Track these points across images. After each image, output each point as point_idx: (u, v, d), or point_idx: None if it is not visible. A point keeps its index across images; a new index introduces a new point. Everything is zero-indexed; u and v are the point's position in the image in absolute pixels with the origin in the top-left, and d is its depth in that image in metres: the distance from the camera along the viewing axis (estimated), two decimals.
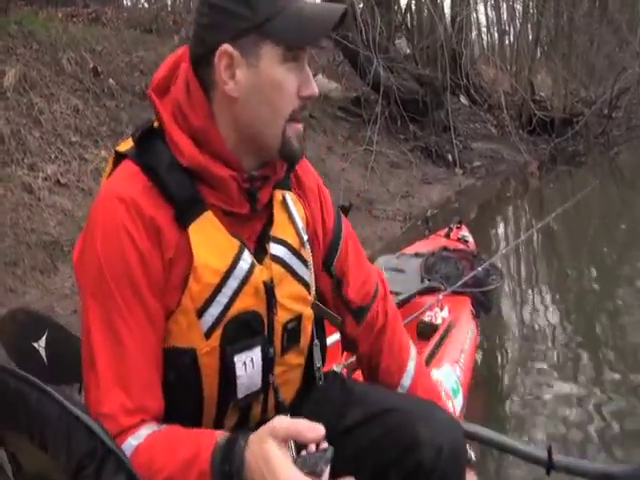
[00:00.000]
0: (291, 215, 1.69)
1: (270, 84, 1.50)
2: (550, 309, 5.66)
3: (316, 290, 1.77)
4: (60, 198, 6.07)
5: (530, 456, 2.16)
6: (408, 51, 13.99)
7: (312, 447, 1.33)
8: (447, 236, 4.81)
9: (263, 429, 1.32)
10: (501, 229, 9.43)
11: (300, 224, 1.70)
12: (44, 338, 1.86)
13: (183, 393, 1.55)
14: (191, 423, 1.49)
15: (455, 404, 2.79)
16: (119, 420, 1.42)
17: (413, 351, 2.02)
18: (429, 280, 3.81)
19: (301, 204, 1.74)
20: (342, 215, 1.91)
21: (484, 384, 4.15)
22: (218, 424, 1.61)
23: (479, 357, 4.38)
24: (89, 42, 8.37)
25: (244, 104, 1.51)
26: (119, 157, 1.58)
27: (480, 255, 4.30)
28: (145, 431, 1.43)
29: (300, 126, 1.58)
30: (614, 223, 8.26)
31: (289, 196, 1.70)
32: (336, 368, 2.39)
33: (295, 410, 1.39)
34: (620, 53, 16.13)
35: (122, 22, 10.47)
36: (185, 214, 1.50)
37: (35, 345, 1.86)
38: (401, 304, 3.32)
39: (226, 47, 1.47)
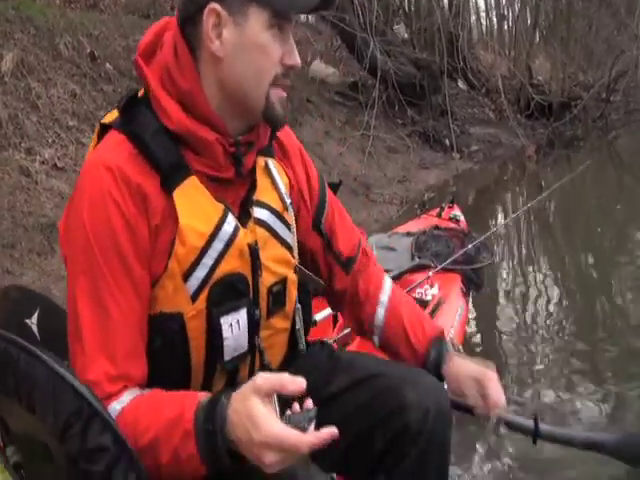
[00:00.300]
0: (274, 180, 1.72)
1: (255, 46, 1.53)
2: (543, 287, 5.69)
3: (308, 250, 1.84)
4: (57, 182, 6.09)
5: (517, 425, 2.18)
6: (406, 36, 13.94)
7: (296, 407, 1.35)
8: (439, 215, 4.84)
9: (245, 386, 1.34)
10: (498, 212, 9.43)
11: (283, 189, 1.73)
12: (36, 315, 1.88)
13: (171, 358, 1.57)
14: (179, 388, 1.52)
15: None
16: (103, 387, 1.45)
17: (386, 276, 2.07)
18: (419, 258, 3.84)
19: (284, 170, 1.78)
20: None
21: (474, 359, 4.17)
22: (206, 389, 1.62)
23: (470, 333, 4.41)
24: (86, 27, 8.33)
25: (229, 64, 1.54)
26: (104, 129, 1.60)
27: (471, 234, 4.33)
28: (129, 395, 1.46)
29: (284, 93, 1.61)
30: (610, 205, 8.26)
31: (272, 162, 1.74)
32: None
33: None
34: (618, 36, 16.07)
35: (120, 7, 10.43)
36: (170, 179, 1.53)
37: (27, 322, 1.88)
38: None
39: (214, 5, 1.50)
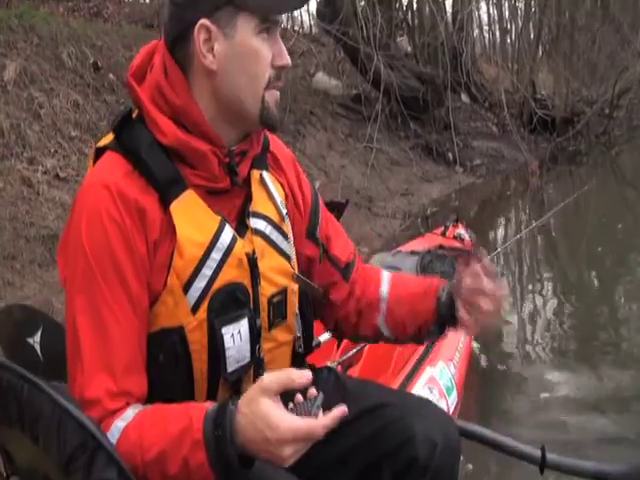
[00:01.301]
0: (269, 192, 1.74)
1: (247, 54, 1.56)
2: (548, 307, 5.68)
3: (303, 259, 1.84)
4: (59, 192, 6.08)
5: (524, 455, 2.17)
6: (409, 49, 13.97)
7: (299, 398, 1.37)
8: (443, 234, 4.82)
9: (252, 389, 1.35)
10: (501, 228, 9.44)
11: (279, 200, 1.75)
12: (39, 333, 1.87)
13: (174, 374, 1.57)
14: None
15: (449, 402, 2.80)
16: (104, 404, 1.44)
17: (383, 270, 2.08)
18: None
19: (278, 182, 1.80)
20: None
21: (479, 382, 4.16)
22: None
23: (475, 355, 4.39)
24: (90, 37, 8.35)
25: (223, 76, 1.56)
26: (99, 153, 1.61)
27: None
28: (132, 411, 1.46)
29: (277, 94, 1.64)
30: (614, 222, 8.26)
31: (266, 174, 1.76)
32: (330, 365, 2.40)
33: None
34: (622, 52, 16.09)
35: (123, 17, 10.47)
36: (167, 194, 1.54)
37: (30, 341, 1.87)
38: None
39: (204, 21, 1.53)
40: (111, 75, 7.95)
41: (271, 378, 1.34)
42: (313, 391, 1.37)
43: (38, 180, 6.03)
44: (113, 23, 9.97)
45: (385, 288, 1.97)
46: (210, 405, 1.41)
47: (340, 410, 1.33)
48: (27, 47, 7.31)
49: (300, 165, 1.95)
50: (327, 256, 1.91)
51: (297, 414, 1.33)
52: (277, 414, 1.31)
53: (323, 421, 1.32)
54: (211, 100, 1.59)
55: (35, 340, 1.89)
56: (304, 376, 1.33)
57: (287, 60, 1.62)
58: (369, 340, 2.16)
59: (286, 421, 1.30)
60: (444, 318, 1.87)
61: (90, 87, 7.61)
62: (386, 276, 2.01)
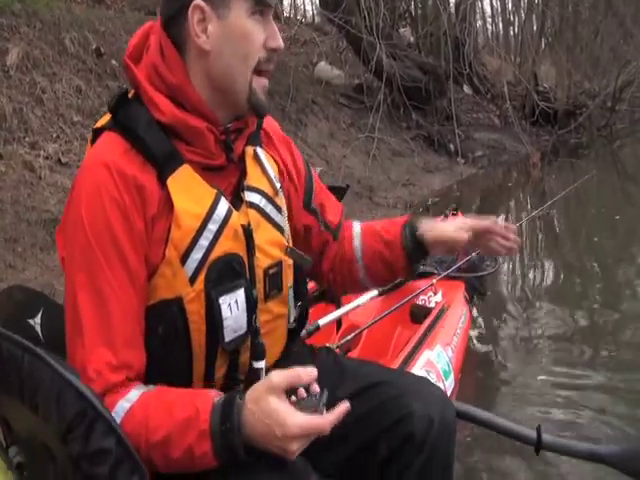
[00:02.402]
0: (263, 167, 1.78)
1: (239, 34, 1.59)
2: (545, 294, 5.69)
3: (302, 229, 1.92)
4: (61, 177, 6.10)
5: (519, 435, 2.18)
6: (412, 39, 13.95)
7: (302, 392, 1.41)
8: None
9: (259, 387, 1.40)
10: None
11: (272, 174, 1.79)
12: (39, 315, 1.88)
13: (173, 344, 1.59)
14: (182, 375, 1.58)
15: (446, 385, 2.81)
16: (105, 376, 1.47)
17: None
18: (423, 265, 3.81)
19: (272, 157, 1.84)
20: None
21: (476, 367, 4.18)
22: (208, 374, 1.65)
23: (473, 340, 4.41)
24: (92, 23, 8.35)
25: (216, 56, 1.59)
26: (97, 134, 1.64)
27: None
28: (136, 392, 1.48)
29: (266, 81, 1.66)
30: (612, 214, 8.26)
31: (260, 150, 1.79)
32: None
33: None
34: (624, 46, 16.08)
35: (126, 3, 10.45)
36: (164, 169, 1.57)
37: (31, 322, 1.88)
38: (395, 287, 3.36)
39: (198, 2, 1.56)
40: (113, 61, 7.95)
41: (279, 376, 1.38)
42: (316, 387, 1.41)
43: (40, 165, 6.05)
44: (116, 10, 9.95)
45: (358, 246, 2.05)
46: (216, 395, 1.44)
47: (344, 406, 1.39)
48: (30, 32, 7.31)
49: (301, 154, 1.99)
50: (322, 222, 1.98)
51: (302, 410, 1.37)
52: (285, 411, 1.35)
53: (330, 417, 1.37)
54: (205, 81, 1.61)
55: (36, 321, 1.90)
56: (310, 373, 1.38)
57: (279, 42, 1.64)
58: (356, 292, 2.37)
59: (294, 418, 1.35)
60: (415, 260, 1.99)
61: (92, 73, 7.62)
62: (357, 232, 2.07)
